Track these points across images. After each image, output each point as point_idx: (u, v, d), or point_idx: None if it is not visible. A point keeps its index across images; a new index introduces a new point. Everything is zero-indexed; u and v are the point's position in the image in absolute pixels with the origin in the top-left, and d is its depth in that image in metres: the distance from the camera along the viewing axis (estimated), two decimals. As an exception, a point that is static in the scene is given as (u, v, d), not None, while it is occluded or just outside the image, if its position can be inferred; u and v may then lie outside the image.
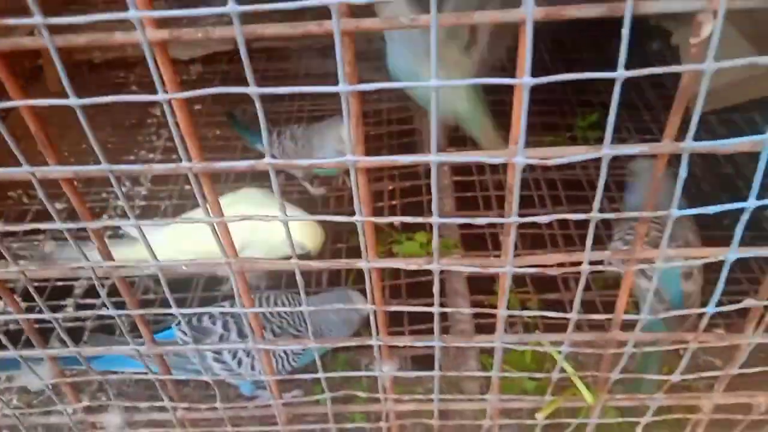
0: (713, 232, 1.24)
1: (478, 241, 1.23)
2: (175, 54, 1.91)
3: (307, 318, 0.56)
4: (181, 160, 0.45)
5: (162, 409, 0.69)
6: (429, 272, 1.23)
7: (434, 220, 0.46)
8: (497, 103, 1.66)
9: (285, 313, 0.89)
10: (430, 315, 1.11)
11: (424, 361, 1.09)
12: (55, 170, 0.47)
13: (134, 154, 1.54)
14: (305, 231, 1.09)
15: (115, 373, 0.89)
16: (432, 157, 0.43)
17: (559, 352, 0.61)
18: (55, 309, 1.21)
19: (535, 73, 0.39)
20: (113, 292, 1.20)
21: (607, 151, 0.44)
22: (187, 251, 0.96)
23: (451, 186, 1.36)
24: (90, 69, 1.90)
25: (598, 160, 1.42)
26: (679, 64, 0.39)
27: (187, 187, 1.43)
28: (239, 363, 0.87)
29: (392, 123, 1.62)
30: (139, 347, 0.60)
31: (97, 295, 1.19)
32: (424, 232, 1.25)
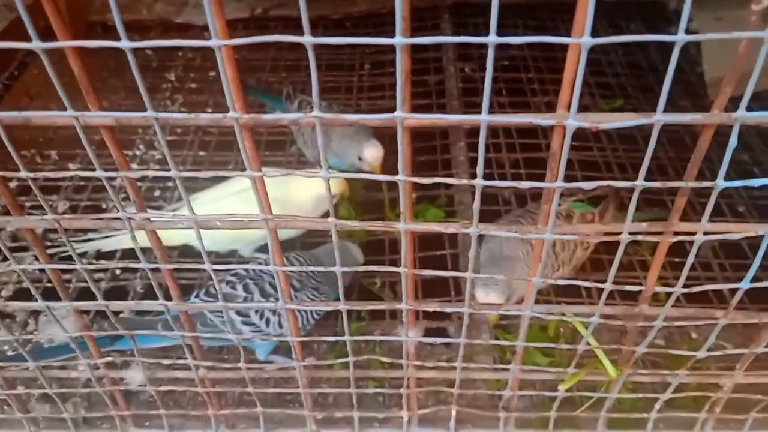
0: (726, 219, 1.24)
1: (490, 219, 1.22)
2: (189, 19, 1.90)
3: (340, 278, 0.56)
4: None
5: (184, 367, 0.70)
6: (443, 246, 1.22)
7: (478, 182, 0.46)
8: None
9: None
10: (442, 290, 1.12)
11: (435, 334, 1.09)
12: (97, 116, 0.46)
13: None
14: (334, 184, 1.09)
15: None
16: (483, 117, 0.43)
17: (586, 327, 0.61)
18: (72, 270, 1.21)
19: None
20: (127, 255, 1.20)
21: (660, 117, 0.43)
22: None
23: (467, 162, 1.35)
24: (104, 30, 1.88)
25: (615, 142, 1.42)
26: (698, 49, 0.38)
27: (202, 153, 1.42)
28: (267, 323, 0.87)
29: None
30: (168, 303, 0.60)
31: (111, 258, 1.19)
32: (435, 208, 1.24)
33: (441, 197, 1.28)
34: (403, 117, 0.43)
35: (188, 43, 0.41)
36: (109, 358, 0.69)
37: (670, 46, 0.40)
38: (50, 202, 1.29)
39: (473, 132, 1.45)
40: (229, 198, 1.09)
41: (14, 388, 0.74)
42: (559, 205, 0.98)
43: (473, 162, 1.37)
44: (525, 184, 0.46)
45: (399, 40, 0.39)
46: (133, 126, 1.47)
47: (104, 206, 1.30)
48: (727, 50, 1.68)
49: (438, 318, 1.05)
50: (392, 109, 0.42)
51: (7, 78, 1.69)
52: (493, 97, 1.59)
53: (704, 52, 1.63)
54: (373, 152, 1.21)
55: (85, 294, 1.15)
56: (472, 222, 0.50)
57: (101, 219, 0.55)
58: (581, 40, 0.39)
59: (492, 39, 0.39)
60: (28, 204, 1.28)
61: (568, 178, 0.46)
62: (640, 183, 0.46)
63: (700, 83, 1.62)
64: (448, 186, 1.30)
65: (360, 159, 1.23)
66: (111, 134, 0.49)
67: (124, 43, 0.40)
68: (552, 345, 0.62)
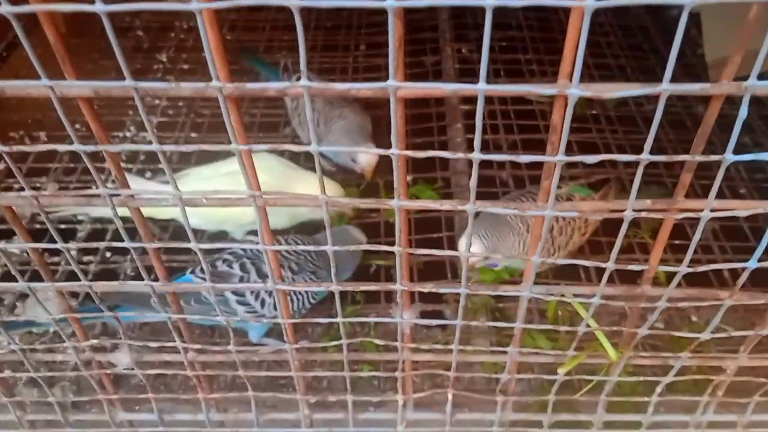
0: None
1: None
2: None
3: (331, 256, 0.54)
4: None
5: (173, 350, 0.68)
6: (439, 228, 1.19)
7: (475, 156, 0.44)
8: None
9: (301, 251, 0.88)
10: (439, 273, 1.10)
11: (432, 317, 1.07)
12: (74, 85, 0.44)
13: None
14: (329, 189, 1.08)
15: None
16: (480, 86, 0.40)
17: (586, 309, 0.59)
18: (58, 252, 1.18)
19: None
20: (116, 238, 1.17)
21: (666, 86, 0.41)
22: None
23: (464, 143, 1.33)
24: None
25: (614, 124, 1.39)
26: (699, 30, 0.36)
27: (194, 134, 1.40)
28: (262, 303, 0.85)
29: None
30: (154, 284, 0.58)
31: (101, 240, 1.16)
32: (431, 190, 1.22)
33: (437, 180, 1.26)
34: (396, 86, 0.41)
35: (168, 6, 0.38)
36: (95, 341, 0.67)
37: (671, 28, 0.38)
38: (38, 185, 1.28)
39: (470, 114, 1.43)
40: (220, 178, 1.06)
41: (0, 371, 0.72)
42: (559, 188, 0.95)
43: (470, 144, 1.34)
44: (524, 158, 0.44)
45: (391, 3, 0.37)
46: (123, 106, 1.46)
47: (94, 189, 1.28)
48: (728, 31, 1.64)
49: (434, 300, 1.04)
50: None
51: (-5, 59, 1.65)
52: (491, 78, 1.57)
53: (705, 34, 1.61)
54: (367, 157, 1.18)
55: (76, 277, 1.13)
56: (469, 199, 0.48)
57: (82, 196, 0.52)
58: (584, 2, 0.37)
59: (490, 2, 0.36)
60: (16, 186, 1.26)
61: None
62: (645, 157, 0.44)
63: (701, 65, 1.60)
64: (444, 168, 1.27)
65: (353, 161, 1.20)
66: (89, 106, 0.47)
67: (99, 6, 0.37)
68: (551, 327, 0.61)
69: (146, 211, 0.56)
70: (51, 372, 0.74)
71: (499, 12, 0.36)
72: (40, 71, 0.42)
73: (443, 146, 1.34)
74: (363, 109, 1.27)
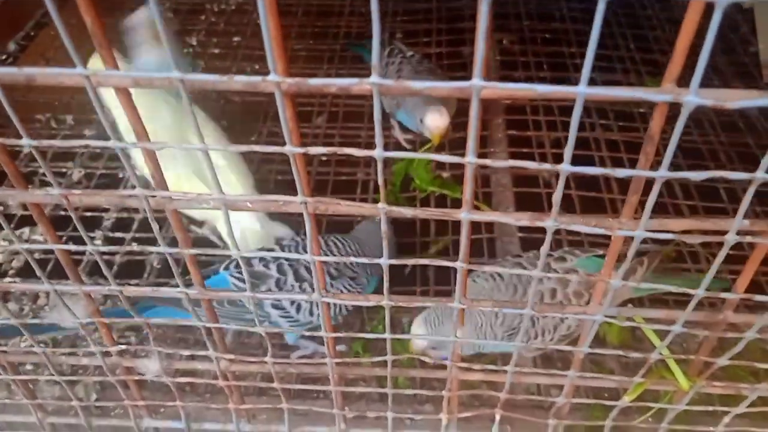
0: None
1: (529, 201, 1.14)
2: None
3: (385, 268, 0.48)
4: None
5: (204, 357, 0.63)
6: (479, 230, 1.13)
7: (564, 168, 0.38)
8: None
9: (341, 253, 0.84)
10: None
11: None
12: (113, 75, 0.39)
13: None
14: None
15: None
16: (580, 89, 0.35)
17: (658, 335, 0.54)
18: (81, 242, 1.15)
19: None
20: (142, 227, 1.14)
21: (797, 96, 0.35)
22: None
23: (505, 140, 1.27)
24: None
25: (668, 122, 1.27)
26: (751, 27, 0.32)
27: (223, 122, 1.35)
28: (298, 308, 0.80)
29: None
30: (189, 291, 0.53)
31: (127, 229, 1.12)
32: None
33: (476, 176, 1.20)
34: (481, 86, 0.36)
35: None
36: (122, 346, 0.62)
37: (722, 25, 0.32)
38: (65, 170, 1.24)
39: (512, 109, 1.36)
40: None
41: (19, 373, 0.68)
42: (563, 259, 0.81)
43: (512, 140, 1.28)
44: (621, 173, 0.39)
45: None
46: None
47: (120, 175, 1.24)
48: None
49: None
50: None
51: (22, 38, 1.61)
52: (533, 71, 1.50)
53: (759, 30, 1.53)
54: (435, 119, 1.09)
55: (99, 268, 1.09)
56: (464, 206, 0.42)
57: (116, 196, 0.48)
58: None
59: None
60: (41, 171, 1.22)
61: (612, 160, 0.38)
62: (760, 175, 0.38)
63: (754, 64, 1.52)
64: (483, 166, 1.21)
65: (421, 122, 1.12)
66: (127, 97, 0.42)
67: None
68: (620, 352, 0.55)
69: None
70: (73, 375, 0.70)
71: (541, 2, 0.31)
72: (75, 58, 0.37)
73: (483, 142, 1.28)
74: (448, 78, 1.23)
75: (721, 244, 0.42)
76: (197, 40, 1.61)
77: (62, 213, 1.11)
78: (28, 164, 1.24)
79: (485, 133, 1.30)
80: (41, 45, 1.60)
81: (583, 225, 0.43)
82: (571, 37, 1.57)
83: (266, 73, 0.37)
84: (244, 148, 0.41)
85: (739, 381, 0.79)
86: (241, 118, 1.37)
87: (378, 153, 0.40)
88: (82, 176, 1.25)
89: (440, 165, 1.21)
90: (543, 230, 0.43)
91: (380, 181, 0.42)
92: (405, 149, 1.27)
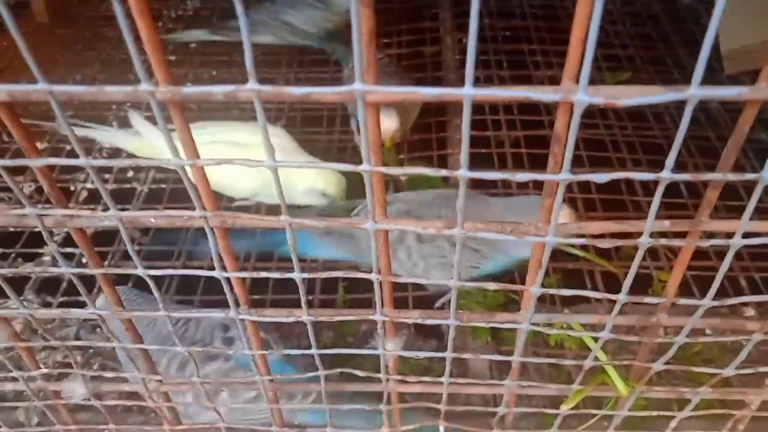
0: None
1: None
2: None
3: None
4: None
5: (132, 379, 0.61)
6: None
7: (462, 173, 0.37)
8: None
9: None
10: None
11: (428, 328, 1.00)
12: (73, 90, 0.36)
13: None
14: (327, 178, 1.05)
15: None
16: (467, 91, 0.33)
17: (594, 340, 0.52)
18: (32, 257, 1.12)
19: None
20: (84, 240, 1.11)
21: (695, 91, 0.33)
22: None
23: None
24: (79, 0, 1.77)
25: (623, 119, 1.29)
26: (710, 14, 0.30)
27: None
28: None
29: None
30: (100, 311, 0.51)
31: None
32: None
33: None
34: (364, 90, 0.34)
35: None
36: (44, 370, 0.60)
37: (682, 16, 0.31)
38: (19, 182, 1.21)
39: (473, 108, 1.34)
40: (218, 145, 1.04)
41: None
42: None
43: (471, 140, 1.26)
44: (520, 177, 0.37)
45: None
46: (107, 102, 1.39)
47: (72, 188, 1.21)
48: (745, 20, 1.55)
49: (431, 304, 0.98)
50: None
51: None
52: (493, 70, 1.49)
53: (720, 21, 1.52)
54: (383, 122, 1.10)
55: (50, 285, 1.07)
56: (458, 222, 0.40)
57: (12, 216, 0.45)
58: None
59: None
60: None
61: (574, 159, 0.36)
62: (666, 176, 0.36)
63: (715, 56, 1.51)
64: (443, 162, 1.20)
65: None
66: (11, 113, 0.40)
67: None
68: (553, 361, 0.53)
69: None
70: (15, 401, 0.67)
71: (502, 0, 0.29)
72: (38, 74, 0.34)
73: (441, 144, 1.26)
74: (412, 81, 1.22)
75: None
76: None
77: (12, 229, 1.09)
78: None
79: (444, 134, 1.28)
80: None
81: (494, 231, 0.41)
82: (531, 35, 1.56)
83: (226, 79, 0.35)
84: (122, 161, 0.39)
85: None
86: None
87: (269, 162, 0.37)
88: (33, 190, 1.22)
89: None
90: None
91: (278, 194, 0.40)
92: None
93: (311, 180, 1.04)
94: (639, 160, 1.24)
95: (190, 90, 0.35)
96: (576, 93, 0.32)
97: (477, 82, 1.48)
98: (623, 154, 1.25)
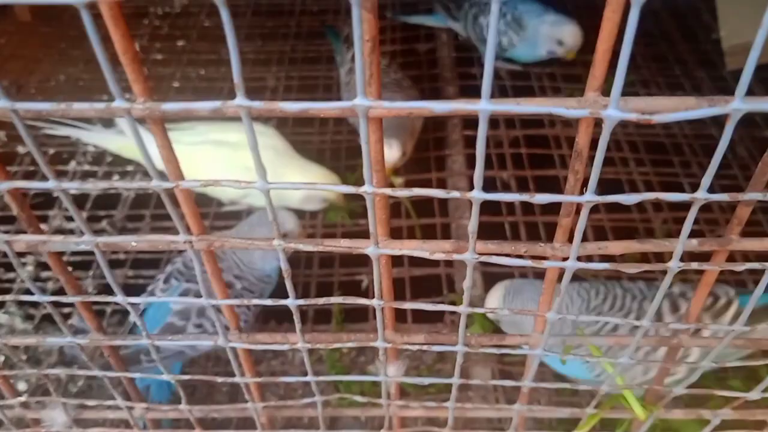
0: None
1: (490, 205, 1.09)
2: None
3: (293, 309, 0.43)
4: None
5: (116, 407, 0.57)
6: (437, 264, 1.07)
7: (475, 195, 0.33)
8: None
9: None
10: (435, 286, 0.99)
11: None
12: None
13: (108, 92, 1.37)
14: (320, 176, 1.02)
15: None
16: (483, 105, 0.29)
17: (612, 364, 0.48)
18: (10, 279, 1.07)
19: None
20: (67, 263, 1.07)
21: (739, 105, 0.30)
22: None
23: (462, 140, 1.21)
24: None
25: (637, 149, 1.19)
26: (713, 14, 0.28)
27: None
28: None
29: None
30: (80, 340, 0.47)
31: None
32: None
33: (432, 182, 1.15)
34: (367, 106, 0.30)
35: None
36: (22, 398, 0.56)
37: (683, 12, 0.27)
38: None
39: (472, 122, 1.30)
40: (207, 146, 1.00)
41: None
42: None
43: (468, 141, 1.23)
44: (540, 198, 0.33)
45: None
46: (91, 99, 1.35)
47: (55, 194, 1.17)
48: (747, 14, 1.51)
49: (430, 319, 0.94)
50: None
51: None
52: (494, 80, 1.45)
53: (721, 17, 1.49)
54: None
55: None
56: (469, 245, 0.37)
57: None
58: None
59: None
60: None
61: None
62: (701, 196, 0.33)
63: (716, 52, 1.48)
64: (440, 169, 1.16)
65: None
66: None
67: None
68: (565, 385, 0.50)
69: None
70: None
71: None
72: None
73: (439, 143, 1.22)
74: (416, 96, 1.18)
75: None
76: (140, 46, 1.53)
77: None
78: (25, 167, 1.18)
79: (442, 134, 1.24)
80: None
81: (507, 256, 0.38)
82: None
83: (215, 79, 0.31)
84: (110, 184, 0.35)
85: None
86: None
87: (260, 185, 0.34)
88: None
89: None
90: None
91: (270, 214, 0.36)
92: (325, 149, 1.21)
93: (304, 178, 1.00)
94: (642, 159, 1.21)
95: (170, 106, 0.31)
96: (605, 108, 0.29)
97: (473, 78, 1.44)
98: (625, 153, 1.22)
